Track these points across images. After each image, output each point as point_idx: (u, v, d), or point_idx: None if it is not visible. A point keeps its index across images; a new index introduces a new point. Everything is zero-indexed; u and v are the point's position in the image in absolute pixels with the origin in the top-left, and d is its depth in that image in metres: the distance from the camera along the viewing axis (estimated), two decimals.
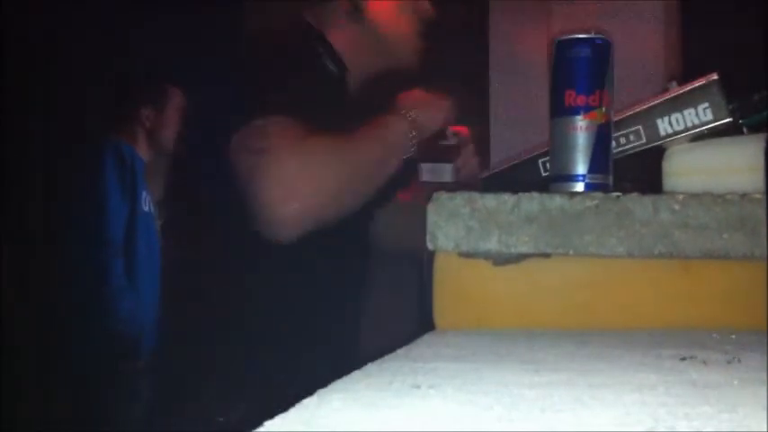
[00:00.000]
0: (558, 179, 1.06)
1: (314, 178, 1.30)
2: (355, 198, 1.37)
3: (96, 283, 2.69)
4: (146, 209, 2.82)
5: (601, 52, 1.06)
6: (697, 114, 1.12)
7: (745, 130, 1.13)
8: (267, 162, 1.28)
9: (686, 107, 1.12)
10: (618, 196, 0.95)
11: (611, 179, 1.05)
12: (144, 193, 2.82)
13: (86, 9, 2.96)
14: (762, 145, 1.05)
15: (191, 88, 1.64)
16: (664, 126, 1.14)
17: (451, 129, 1.58)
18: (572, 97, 1.04)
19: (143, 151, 2.88)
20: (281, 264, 1.40)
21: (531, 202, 0.96)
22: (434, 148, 1.55)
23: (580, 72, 1.05)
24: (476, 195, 0.97)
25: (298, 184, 1.28)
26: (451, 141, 1.57)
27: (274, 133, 1.30)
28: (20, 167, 2.93)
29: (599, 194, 0.97)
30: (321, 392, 0.58)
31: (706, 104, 1.11)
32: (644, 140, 1.15)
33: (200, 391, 1.42)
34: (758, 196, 0.93)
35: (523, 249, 0.96)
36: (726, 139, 1.11)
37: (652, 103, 1.15)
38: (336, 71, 1.53)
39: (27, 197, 2.97)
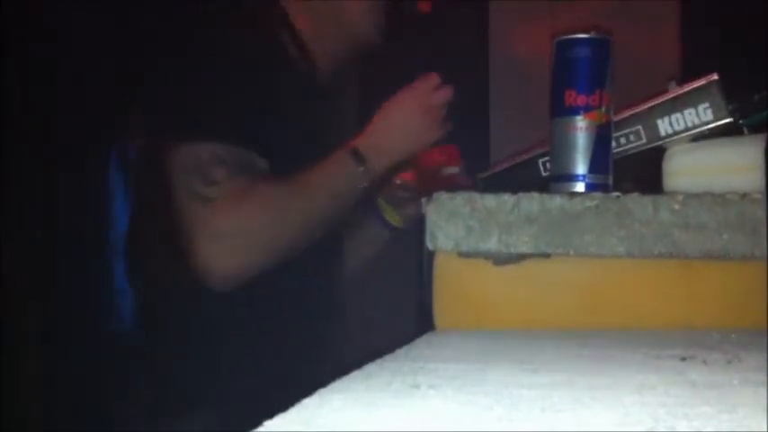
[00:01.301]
0: (558, 179, 1.06)
1: (254, 237, 1.29)
2: (297, 246, 1.34)
3: (97, 284, 2.69)
4: None
5: (601, 52, 1.06)
6: (697, 114, 1.12)
7: (745, 130, 1.13)
8: (209, 214, 1.27)
9: (686, 107, 1.12)
10: (618, 196, 0.95)
11: (611, 179, 1.05)
12: None
13: (89, 8, 2.96)
14: (762, 145, 1.05)
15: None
16: (664, 126, 1.14)
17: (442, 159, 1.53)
18: (572, 97, 1.04)
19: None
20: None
21: (531, 202, 0.96)
22: (433, 182, 1.50)
23: (580, 72, 1.05)
24: (476, 195, 0.97)
25: (236, 243, 1.27)
26: (452, 171, 1.53)
27: (221, 180, 1.27)
28: (21, 167, 2.93)
29: (599, 194, 0.97)
30: (321, 392, 0.58)
31: (706, 104, 1.11)
32: (644, 140, 1.15)
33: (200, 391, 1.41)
34: (758, 196, 0.93)
35: (523, 249, 0.96)
36: (726, 140, 1.11)
37: (652, 104, 1.15)
38: (304, 64, 1.48)
39: (28, 197, 2.97)
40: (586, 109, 1.04)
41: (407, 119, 1.43)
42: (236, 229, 1.28)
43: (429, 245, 0.97)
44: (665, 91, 1.15)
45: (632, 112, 1.15)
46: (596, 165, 1.04)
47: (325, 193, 1.35)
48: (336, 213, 1.39)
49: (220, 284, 1.30)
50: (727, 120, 1.11)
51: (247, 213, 1.29)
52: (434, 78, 1.45)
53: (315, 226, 1.35)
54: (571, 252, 0.95)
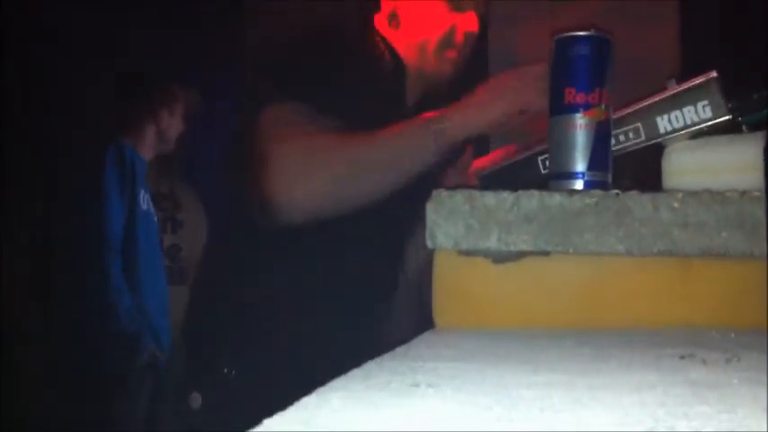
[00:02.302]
0: (558, 177, 1.06)
1: (315, 171, 1.34)
2: (357, 197, 1.37)
3: (94, 282, 2.69)
4: (144, 207, 2.82)
5: (600, 50, 1.05)
6: (696, 112, 1.12)
7: (744, 128, 1.13)
8: (275, 148, 1.34)
9: (685, 105, 1.12)
10: (617, 194, 0.95)
11: (610, 177, 1.05)
12: (143, 192, 2.82)
13: (88, 8, 2.96)
14: (761, 143, 1.05)
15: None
16: (663, 124, 1.13)
17: None
18: (572, 95, 1.04)
19: (145, 150, 2.88)
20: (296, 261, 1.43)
21: (531, 199, 0.95)
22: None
23: (580, 70, 1.05)
24: (475, 193, 0.97)
25: (299, 173, 1.33)
26: None
27: (289, 122, 1.35)
28: (20, 167, 2.93)
29: (598, 192, 0.96)
30: (320, 391, 0.57)
31: (705, 102, 1.11)
32: (643, 138, 1.15)
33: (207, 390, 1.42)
34: (757, 194, 0.93)
35: (523, 247, 0.96)
36: (725, 138, 1.11)
37: (651, 101, 1.15)
38: (396, 67, 1.54)
39: (27, 197, 2.97)
40: (586, 107, 1.04)
41: (501, 83, 1.44)
42: (303, 162, 1.34)
43: (428, 243, 0.97)
44: (665, 89, 1.15)
45: (631, 109, 1.15)
46: (596, 162, 1.04)
47: (393, 156, 1.38)
48: (400, 179, 1.39)
49: (282, 213, 1.34)
50: (726, 117, 1.11)
51: (313, 152, 1.35)
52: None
53: (376, 184, 1.38)
54: (570, 250, 0.95)
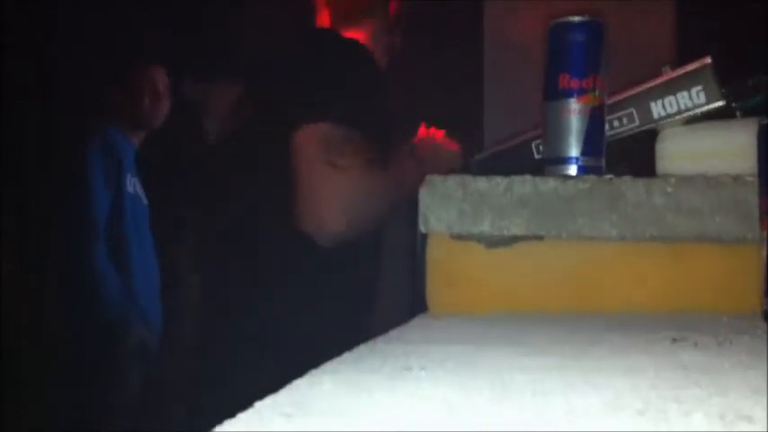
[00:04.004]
0: (551, 162, 1.06)
1: (359, 203, 1.48)
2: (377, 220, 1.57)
3: (79, 267, 2.67)
4: (131, 191, 2.80)
5: (595, 36, 1.05)
6: (690, 98, 1.12)
7: (738, 113, 1.13)
8: (343, 180, 1.46)
9: (679, 90, 1.12)
10: (611, 179, 0.95)
11: (603, 162, 1.05)
12: (129, 176, 2.80)
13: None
14: (754, 128, 1.05)
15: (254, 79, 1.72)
16: (657, 109, 1.13)
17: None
18: (566, 80, 1.04)
19: (133, 134, 2.86)
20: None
21: (524, 184, 0.96)
22: None
23: (574, 55, 1.05)
24: (468, 178, 0.97)
25: (350, 206, 1.46)
26: None
27: (347, 153, 1.47)
28: (9, 157, 2.92)
29: (592, 177, 0.96)
30: (312, 374, 0.58)
31: (699, 88, 1.11)
32: (637, 123, 1.15)
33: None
34: (750, 179, 0.93)
35: (516, 232, 0.96)
36: (719, 123, 1.11)
37: (645, 87, 1.15)
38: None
39: (15, 185, 2.96)
40: (580, 92, 1.04)
41: None
42: (359, 195, 1.47)
43: (422, 228, 0.97)
44: (659, 75, 1.15)
45: (626, 95, 1.15)
46: (589, 147, 1.04)
47: (397, 179, 1.53)
48: (400, 197, 1.51)
49: (328, 240, 1.47)
50: (720, 103, 1.11)
51: (366, 185, 1.49)
52: None
53: (387, 204, 1.55)
54: (563, 235, 0.95)
